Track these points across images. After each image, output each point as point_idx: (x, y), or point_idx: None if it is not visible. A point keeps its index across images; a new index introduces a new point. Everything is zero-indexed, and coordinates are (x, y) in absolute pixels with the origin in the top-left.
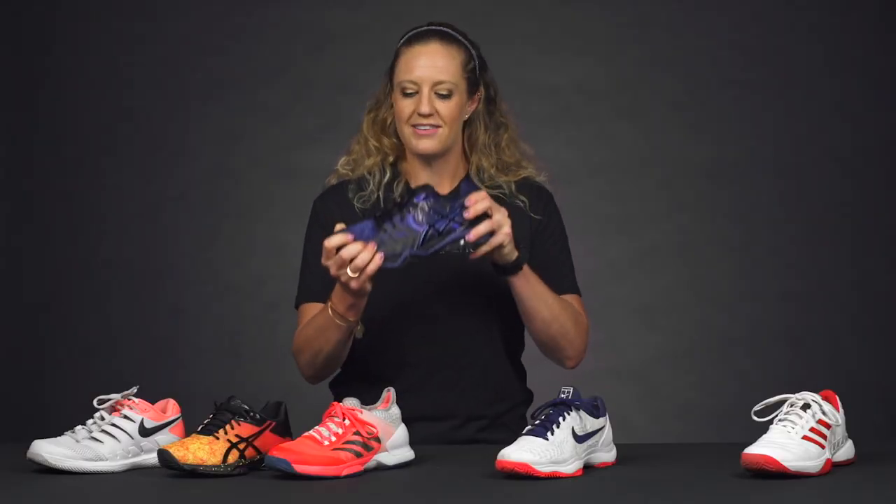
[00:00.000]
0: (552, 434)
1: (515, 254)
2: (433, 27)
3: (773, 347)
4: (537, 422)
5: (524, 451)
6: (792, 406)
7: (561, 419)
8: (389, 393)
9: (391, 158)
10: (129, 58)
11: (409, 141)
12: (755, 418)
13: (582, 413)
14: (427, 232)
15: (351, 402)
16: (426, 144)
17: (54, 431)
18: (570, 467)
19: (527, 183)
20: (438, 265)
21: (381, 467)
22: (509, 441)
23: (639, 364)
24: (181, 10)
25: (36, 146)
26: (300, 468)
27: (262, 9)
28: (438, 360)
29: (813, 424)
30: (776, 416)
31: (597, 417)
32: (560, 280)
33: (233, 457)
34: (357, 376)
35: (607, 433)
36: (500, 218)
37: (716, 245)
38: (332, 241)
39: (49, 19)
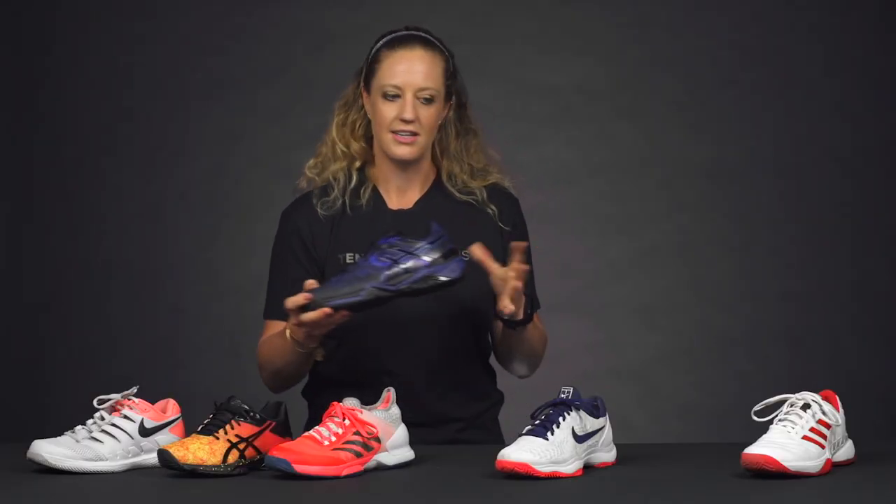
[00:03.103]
0: (552, 434)
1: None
2: (413, 32)
3: (773, 347)
4: (537, 422)
5: (524, 451)
6: (792, 406)
7: (561, 419)
8: (389, 393)
9: (358, 163)
10: (129, 58)
11: (388, 147)
12: (755, 418)
13: (582, 413)
14: (389, 268)
15: (351, 402)
16: (405, 151)
17: (54, 431)
18: (570, 467)
19: (496, 189)
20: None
21: (381, 467)
22: (487, 441)
23: (639, 364)
24: (181, 10)
25: (36, 146)
26: (300, 468)
27: (262, 9)
28: (414, 365)
29: (813, 424)
30: (776, 416)
31: (597, 417)
32: (527, 290)
33: (233, 457)
34: (333, 383)
35: (607, 433)
36: (514, 279)
37: (716, 245)
38: (294, 301)
39: (49, 19)
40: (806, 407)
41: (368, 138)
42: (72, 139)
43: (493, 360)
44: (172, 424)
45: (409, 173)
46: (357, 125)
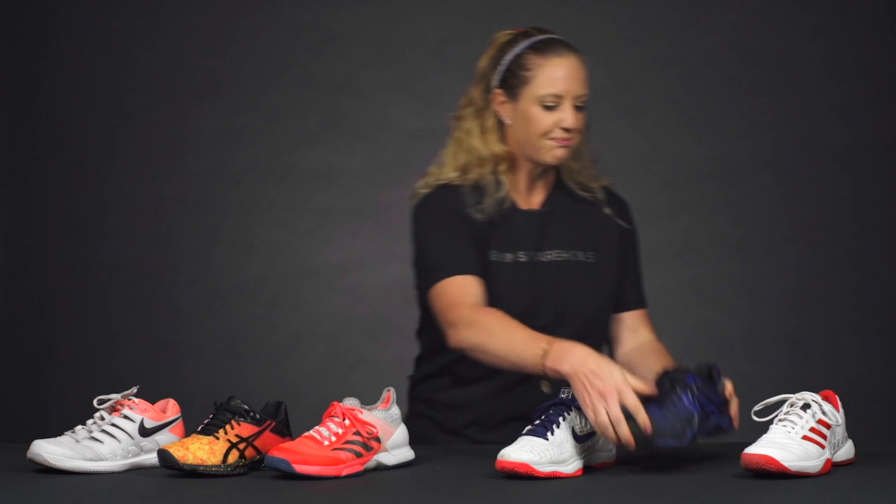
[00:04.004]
0: (552, 434)
1: None
2: (554, 36)
3: (773, 347)
4: (537, 422)
5: (524, 451)
6: (792, 406)
7: (561, 419)
8: (389, 393)
9: (503, 167)
10: (129, 58)
11: (542, 153)
12: (755, 418)
13: (582, 413)
14: (700, 413)
15: (351, 402)
16: (560, 155)
17: (54, 431)
18: (570, 467)
19: (609, 190)
20: (552, 279)
21: (381, 467)
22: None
23: None
24: (181, 10)
25: (36, 146)
26: (300, 468)
27: (262, 9)
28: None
29: (813, 424)
30: (776, 416)
31: None
32: (636, 292)
33: (233, 457)
34: (448, 373)
35: None
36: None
37: (716, 245)
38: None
39: (49, 19)
40: (806, 407)
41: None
42: (72, 139)
43: None
44: (172, 424)
45: (541, 178)
46: (494, 129)
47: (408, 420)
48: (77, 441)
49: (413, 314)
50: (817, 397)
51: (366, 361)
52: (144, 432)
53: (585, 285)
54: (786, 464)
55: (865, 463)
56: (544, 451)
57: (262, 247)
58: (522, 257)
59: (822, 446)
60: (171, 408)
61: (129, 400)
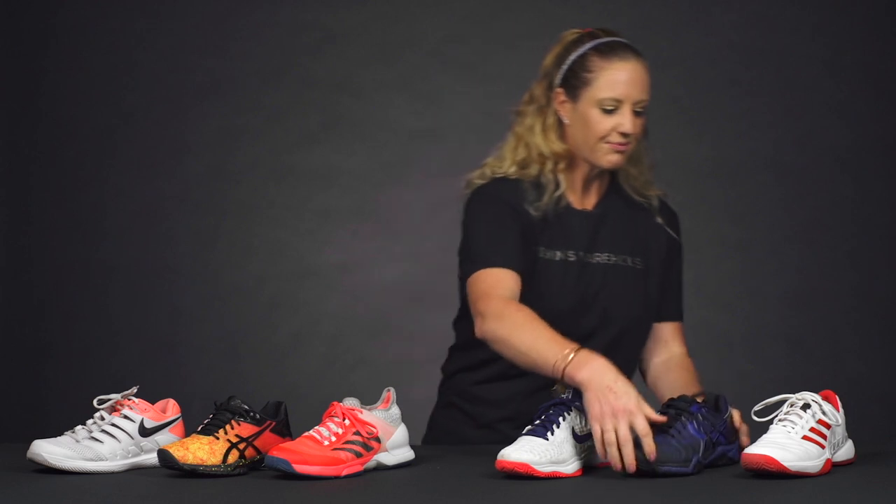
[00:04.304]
0: (552, 434)
1: None
2: (619, 39)
3: (773, 347)
4: (537, 422)
5: (524, 451)
6: (792, 406)
7: (561, 419)
8: (389, 393)
9: (562, 165)
10: (129, 58)
11: (599, 156)
12: (755, 418)
13: (582, 413)
14: (705, 442)
15: (351, 402)
16: (617, 159)
17: (54, 431)
18: (570, 467)
19: (662, 201)
20: (600, 281)
21: (381, 467)
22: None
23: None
24: (181, 10)
25: (36, 146)
26: (300, 468)
27: (262, 9)
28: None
29: (813, 424)
30: (776, 416)
31: None
32: (675, 304)
33: (233, 457)
34: (485, 366)
35: None
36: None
37: (716, 245)
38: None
39: (49, 19)
40: (806, 407)
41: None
42: (72, 139)
43: None
44: (172, 424)
45: (596, 181)
46: (554, 127)
47: (438, 410)
48: (77, 441)
49: (413, 314)
50: (817, 397)
51: (366, 361)
52: (144, 432)
53: (631, 291)
54: (786, 464)
55: (865, 463)
56: (544, 451)
57: (262, 247)
58: (571, 257)
59: (822, 446)
60: (171, 408)
61: (129, 400)
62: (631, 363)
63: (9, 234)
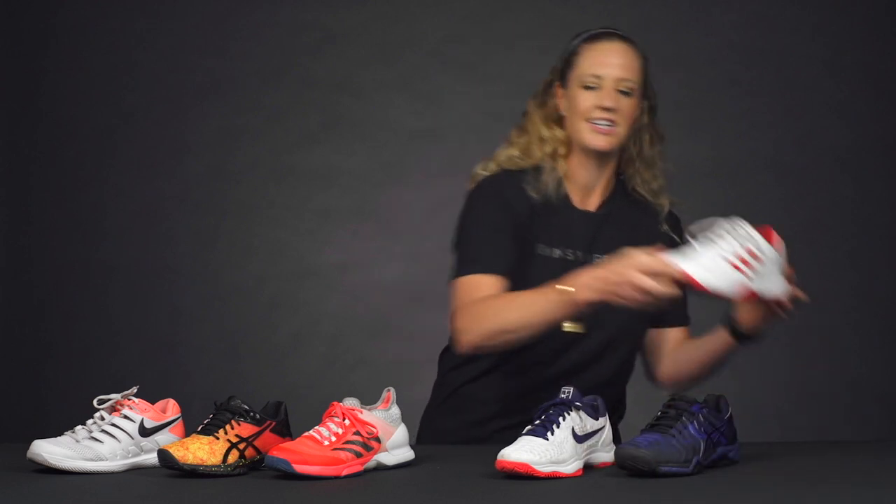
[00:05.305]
0: (552, 434)
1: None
2: (612, 30)
3: (773, 347)
4: (537, 422)
5: (524, 451)
6: (721, 230)
7: (561, 419)
8: (389, 393)
9: (563, 150)
10: (129, 58)
11: (584, 136)
12: (688, 238)
13: (582, 413)
14: (706, 442)
15: (351, 402)
16: (601, 141)
17: (54, 431)
18: (570, 467)
19: (670, 209)
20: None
21: (381, 467)
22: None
23: (638, 364)
24: (181, 10)
25: (36, 146)
26: (300, 468)
27: (262, 9)
28: (569, 371)
29: (738, 251)
30: (706, 235)
31: (596, 418)
32: (681, 310)
33: (233, 457)
34: (472, 365)
35: (607, 433)
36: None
37: None
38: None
39: (49, 19)
40: (737, 234)
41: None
42: (72, 139)
43: None
44: (172, 424)
45: (600, 171)
46: (554, 118)
47: (431, 409)
48: (77, 441)
49: (413, 314)
50: (749, 228)
51: (366, 361)
52: (144, 432)
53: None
54: (702, 283)
55: (865, 463)
56: (544, 451)
57: (262, 247)
58: (570, 256)
59: (745, 274)
60: (171, 408)
61: (129, 400)
62: (623, 367)
63: (9, 234)
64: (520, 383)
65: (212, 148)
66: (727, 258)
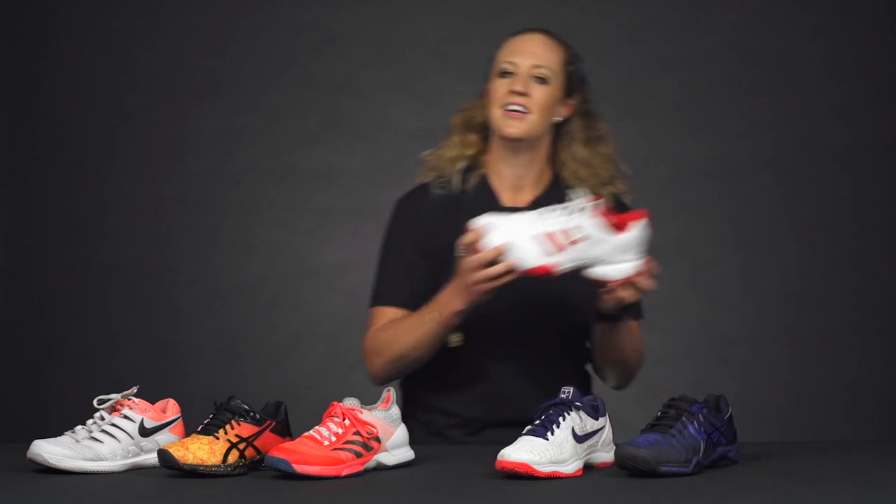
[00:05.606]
0: (552, 434)
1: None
2: (539, 28)
3: (773, 347)
4: (537, 422)
5: (524, 451)
6: (559, 206)
7: (561, 419)
8: (389, 393)
9: (471, 151)
10: (129, 58)
11: (498, 123)
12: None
13: (582, 413)
14: (705, 442)
15: (351, 402)
16: (514, 128)
17: (54, 431)
18: (570, 467)
19: (617, 199)
20: (526, 289)
21: (381, 467)
22: None
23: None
24: (181, 10)
25: (36, 146)
26: (300, 468)
27: (262, 9)
28: (506, 366)
29: (565, 227)
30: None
31: (596, 418)
32: (635, 305)
33: (233, 457)
34: (432, 376)
35: (607, 433)
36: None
37: (716, 245)
38: (487, 255)
39: (49, 19)
40: (574, 210)
41: (485, 135)
42: (72, 139)
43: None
44: (172, 424)
45: (524, 165)
46: (475, 119)
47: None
48: (77, 441)
49: None
50: (587, 208)
51: None
52: (144, 432)
53: (564, 289)
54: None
55: (864, 463)
56: (544, 451)
57: (262, 247)
58: None
59: (561, 248)
60: (171, 408)
61: (129, 400)
62: (572, 359)
63: (9, 234)
64: (478, 391)
65: (212, 148)
66: (539, 233)
